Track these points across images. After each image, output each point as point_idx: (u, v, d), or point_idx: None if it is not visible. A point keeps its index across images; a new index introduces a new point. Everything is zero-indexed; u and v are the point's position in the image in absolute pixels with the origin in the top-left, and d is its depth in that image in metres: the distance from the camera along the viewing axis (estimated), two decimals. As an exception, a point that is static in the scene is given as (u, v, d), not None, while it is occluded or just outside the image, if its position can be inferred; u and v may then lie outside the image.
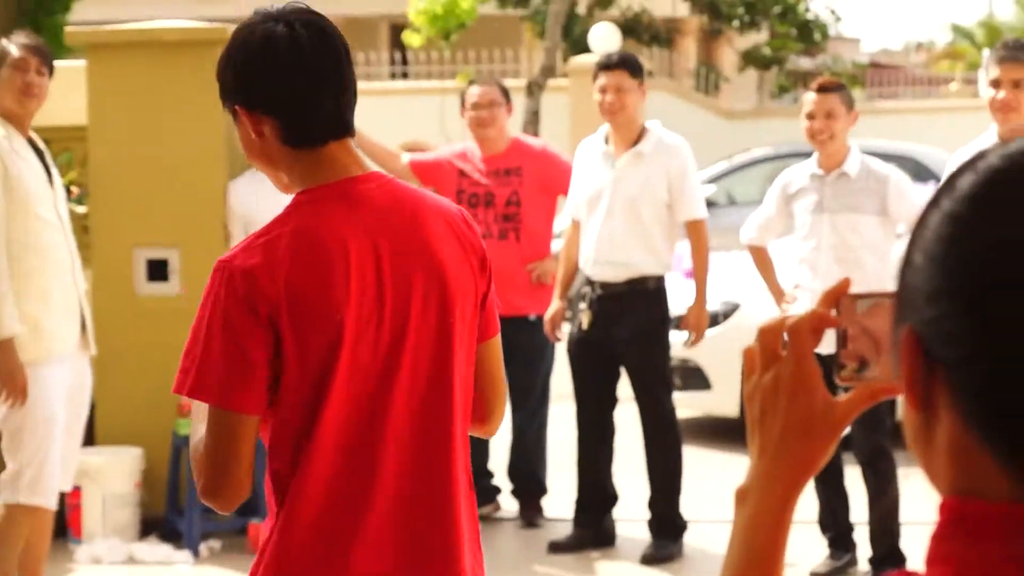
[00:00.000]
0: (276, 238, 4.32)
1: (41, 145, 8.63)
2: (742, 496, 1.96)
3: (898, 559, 9.93)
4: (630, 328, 10.29)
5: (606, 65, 10.80)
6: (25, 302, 8.15)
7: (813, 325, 1.92)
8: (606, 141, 10.58)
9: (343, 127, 4.48)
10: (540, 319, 10.97)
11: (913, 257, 1.62)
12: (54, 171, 8.67)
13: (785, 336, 1.93)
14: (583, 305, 10.69)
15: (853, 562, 10.21)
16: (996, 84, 9.02)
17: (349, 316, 4.32)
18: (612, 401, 10.77)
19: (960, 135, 9.59)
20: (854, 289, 1.98)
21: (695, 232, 10.51)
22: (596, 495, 10.84)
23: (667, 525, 10.73)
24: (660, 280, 10.59)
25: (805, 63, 35.60)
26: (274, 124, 4.35)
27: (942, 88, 37.82)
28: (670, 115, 12.93)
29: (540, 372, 11.28)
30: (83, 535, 10.48)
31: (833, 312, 1.94)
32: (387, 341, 4.39)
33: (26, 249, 8.21)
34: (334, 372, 4.34)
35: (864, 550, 10.14)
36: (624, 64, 10.67)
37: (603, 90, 10.45)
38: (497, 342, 4.79)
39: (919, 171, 20.52)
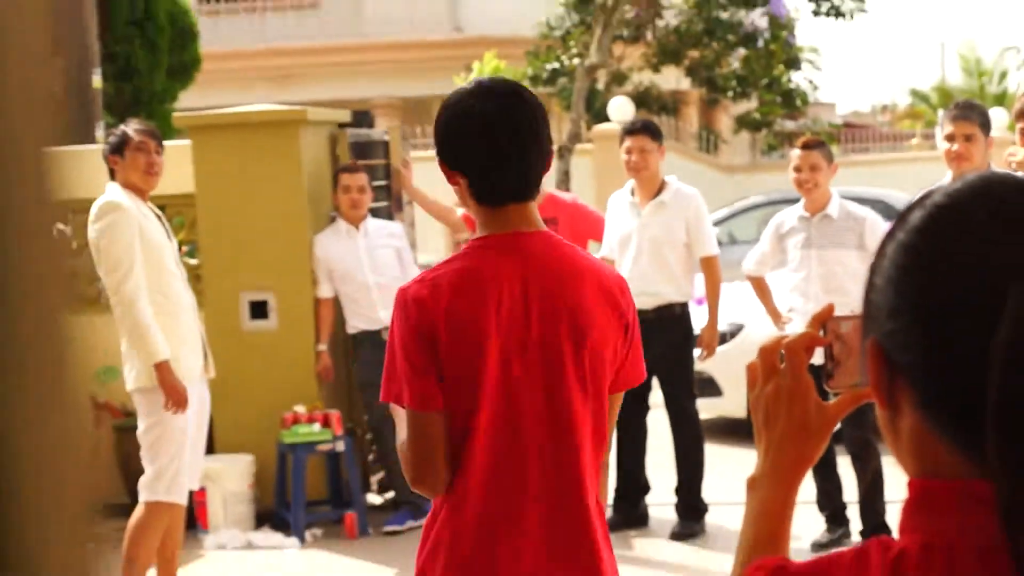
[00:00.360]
0: (443, 274, 4.45)
1: (157, 211, 8.77)
2: (752, 485, 2.11)
3: (885, 531, 9.71)
4: (660, 347, 10.11)
5: (631, 130, 10.89)
6: (147, 338, 8.23)
7: (805, 344, 2.07)
8: (632, 193, 10.76)
9: (521, 192, 4.48)
10: None
11: (875, 280, 1.78)
12: (169, 231, 8.83)
13: (782, 353, 2.08)
14: None
15: (847, 535, 10.28)
16: (950, 138, 9.16)
17: (496, 340, 4.39)
18: (645, 407, 10.86)
19: (922, 181, 9.80)
20: (838, 312, 2.03)
21: (709, 266, 10.66)
22: (632, 485, 11.03)
23: (691, 508, 10.86)
24: (684, 306, 10.75)
25: (789, 125, 35.21)
26: (466, 181, 4.46)
27: (905, 143, 37.56)
28: (677, 171, 12.93)
29: None
30: (209, 526, 10.71)
31: (821, 332, 2.10)
32: (531, 365, 4.43)
33: (163, 296, 8.39)
34: (483, 386, 4.40)
35: (856, 525, 10.26)
36: (646, 129, 10.79)
37: (629, 151, 10.58)
38: (618, 399, 4.79)
39: (889, 212, 20.49)
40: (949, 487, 1.66)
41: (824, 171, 9.89)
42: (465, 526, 4.44)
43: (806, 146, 10.10)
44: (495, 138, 4.41)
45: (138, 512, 8.42)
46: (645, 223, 10.64)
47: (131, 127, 8.60)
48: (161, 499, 8.36)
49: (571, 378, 4.47)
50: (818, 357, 2.07)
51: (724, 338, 11.65)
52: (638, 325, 4.73)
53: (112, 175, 8.48)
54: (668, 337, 10.61)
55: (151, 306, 8.24)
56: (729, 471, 11.69)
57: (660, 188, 10.72)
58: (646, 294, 10.36)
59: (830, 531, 10.38)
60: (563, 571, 4.50)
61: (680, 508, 10.95)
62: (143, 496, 8.43)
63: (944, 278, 1.66)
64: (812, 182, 9.81)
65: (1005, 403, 1.53)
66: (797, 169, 9.93)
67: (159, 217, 8.74)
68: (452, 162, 4.52)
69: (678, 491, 11.03)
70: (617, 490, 11.07)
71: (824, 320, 2.11)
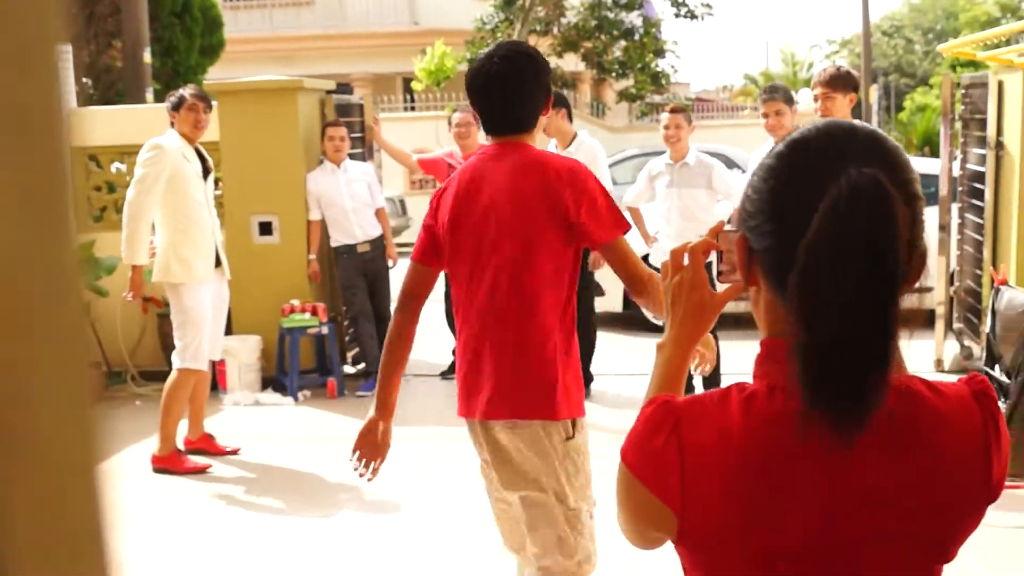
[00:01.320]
0: (452, 178, 4.65)
1: (205, 153, 8.83)
2: (660, 348, 2.15)
3: None
4: None
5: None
6: (183, 248, 8.36)
7: (703, 248, 2.13)
8: (555, 146, 10.52)
9: (508, 127, 4.54)
10: None
11: (746, 193, 1.89)
12: (209, 170, 8.83)
13: (686, 255, 2.15)
14: None
15: None
16: (765, 115, 9.10)
17: (464, 220, 4.48)
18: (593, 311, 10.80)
19: (750, 141, 9.75)
20: (701, 235, 2.25)
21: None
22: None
23: (585, 377, 10.70)
24: None
25: (656, 98, 35.45)
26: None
27: (739, 113, 37.81)
28: (584, 132, 13.06)
29: None
30: (227, 388, 10.72)
31: (716, 239, 2.15)
32: (487, 236, 4.45)
33: (186, 218, 8.41)
34: (455, 250, 4.52)
35: None
36: (560, 102, 10.51)
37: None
38: (610, 247, 4.50)
39: (728, 163, 20.84)
40: (786, 344, 1.73)
41: (685, 129, 9.80)
42: (462, 344, 4.61)
43: (673, 110, 10.02)
44: (490, 87, 4.51)
45: (172, 376, 8.54)
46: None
47: (188, 91, 8.73)
48: (188, 366, 8.47)
49: (518, 247, 4.43)
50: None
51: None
52: (596, 199, 4.50)
53: (172, 124, 8.58)
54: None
55: (177, 223, 8.41)
56: (608, 350, 11.65)
57: (572, 139, 10.54)
58: None
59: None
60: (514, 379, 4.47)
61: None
62: (175, 364, 8.54)
63: (785, 188, 1.80)
64: (676, 137, 9.73)
65: (802, 284, 1.67)
66: (666, 127, 9.83)
67: (202, 159, 8.74)
68: (472, 105, 4.69)
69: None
70: None
71: (717, 232, 2.14)
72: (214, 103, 9.03)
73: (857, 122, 1.96)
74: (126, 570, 6.72)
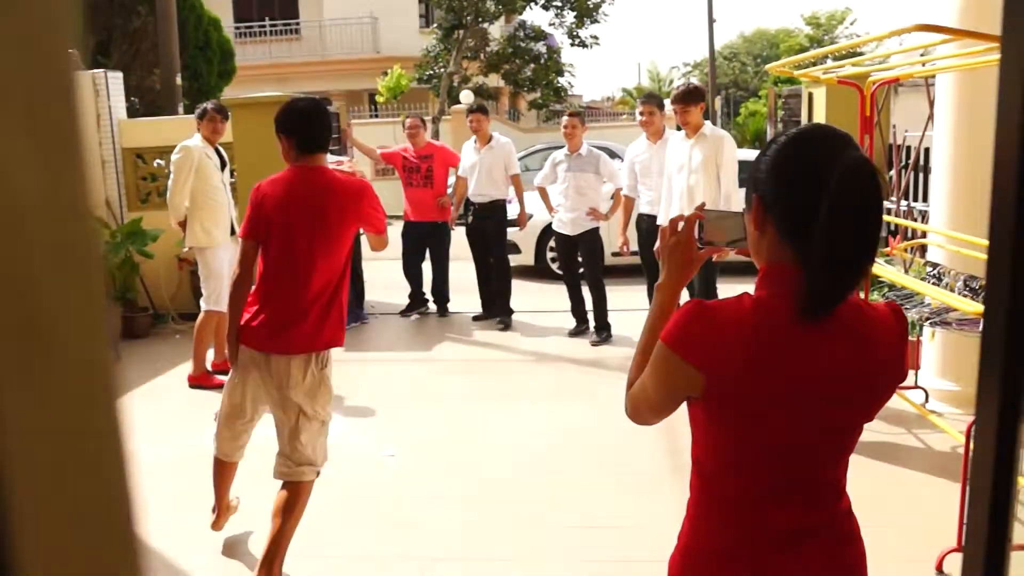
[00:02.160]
0: (275, 179, 4.83)
1: (222, 151, 8.92)
2: (658, 290, 2.32)
3: (608, 328, 9.99)
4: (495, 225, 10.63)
5: (470, 110, 10.91)
6: (207, 221, 8.54)
7: (692, 219, 2.31)
8: (474, 143, 10.64)
9: (315, 148, 4.76)
10: (445, 224, 10.89)
11: (759, 167, 2.03)
12: (225, 162, 8.94)
13: (680, 224, 2.32)
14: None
15: (587, 331, 10.09)
16: (642, 114, 8.94)
17: (278, 217, 4.56)
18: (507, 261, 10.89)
19: (628, 138, 9.78)
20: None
21: (516, 183, 10.59)
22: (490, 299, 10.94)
23: (507, 311, 10.72)
24: (503, 203, 10.71)
25: (558, 106, 35.56)
26: (291, 142, 4.80)
27: (619, 117, 37.85)
28: (496, 131, 13.04)
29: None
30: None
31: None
32: (295, 230, 4.52)
33: (209, 200, 8.56)
34: (271, 240, 4.58)
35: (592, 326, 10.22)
36: (482, 110, 10.71)
37: (472, 121, 10.64)
38: (374, 237, 4.85)
39: (611, 154, 20.83)
40: (783, 267, 1.99)
41: (579, 128, 9.72)
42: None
43: (570, 114, 9.91)
44: (309, 121, 4.83)
45: (200, 316, 8.65)
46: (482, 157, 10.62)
47: (209, 105, 8.83)
48: (211, 308, 8.54)
49: (315, 239, 4.55)
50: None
51: (529, 219, 11.37)
52: (363, 203, 4.75)
53: (198, 130, 8.69)
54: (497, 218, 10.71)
55: (200, 202, 8.58)
56: (521, 293, 11.67)
57: (489, 139, 10.58)
58: (484, 195, 10.61)
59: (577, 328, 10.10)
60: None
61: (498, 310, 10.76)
62: (202, 307, 8.64)
63: (795, 166, 1.97)
64: (572, 134, 9.66)
65: (827, 227, 1.85)
66: (565, 127, 9.76)
67: (220, 155, 8.84)
68: (283, 132, 4.92)
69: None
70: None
71: (702, 209, 2.34)
72: (229, 114, 9.09)
73: (832, 126, 2.17)
74: (168, 467, 6.75)
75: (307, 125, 4.80)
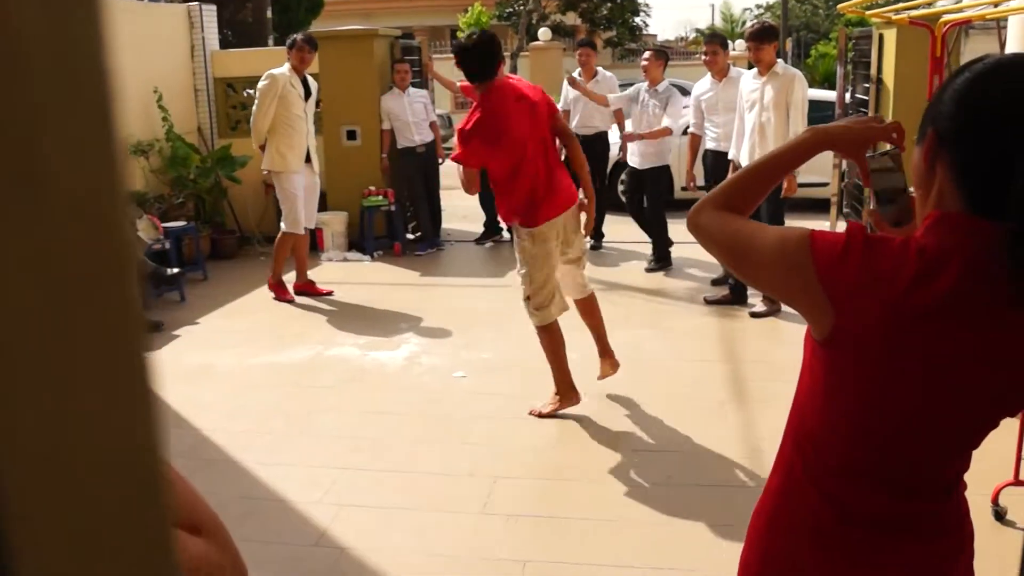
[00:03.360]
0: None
1: (310, 80, 8.90)
2: (811, 129, 1.90)
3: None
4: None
5: (580, 43, 11.02)
6: (283, 146, 8.56)
7: (891, 129, 1.87)
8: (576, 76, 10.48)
9: (486, 75, 5.51)
10: None
11: (942, 98, 1.63)
12: (313, 92, 8.91)
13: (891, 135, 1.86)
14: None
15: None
16: (705, 54, 8.79)
17: (510, 122, 5.38)
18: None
19: (699, 76, 9.59)
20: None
21: (619, 116, 10.42)
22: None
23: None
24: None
25: (632, 45, 35.15)
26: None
27: (692, 57, 37.22)
28: (575, 67, 12.90)
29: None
30: (324, 249, 10.63)
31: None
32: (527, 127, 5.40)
33: (288, 126, 8.56)
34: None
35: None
36: (590, 44, 10.71)
37: (580, 55, 10.77)
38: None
39: (683, 91, 20.53)
40: (957, 216, 1.59)
41: (656, 65, 9.55)
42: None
43: (652, 52, 9.80)
44: (481, 52, 5.56)
45: (279, 237, 8.78)
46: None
47: (299, 36, 8.81)
48: (288, 230, 8.69)
49: (542, 123, 5.57)
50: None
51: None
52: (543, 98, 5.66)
53: (288, 59, 8.67)
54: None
55: (281, 129, 8.59)
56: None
57: (595, 74, 10.79)
58: (589, 127, 10.61)
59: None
60: None
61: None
62: (281, 228, 8.75)
63: (979, 100, 1.58)
64: (652, 71, 9.52)
65: None
66: (645, 60, 9.63)
67: (306, 85, 8.80)
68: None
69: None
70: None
71: (895, 133, 1.87)
72: (318, 45, 9.11)
73: None
74: (249, 380, 6.82)
75: (479, 56, 5.58)
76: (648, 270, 9.67)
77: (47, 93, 0.40)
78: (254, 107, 8.67)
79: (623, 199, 11.52)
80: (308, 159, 8.83)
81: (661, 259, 9.73)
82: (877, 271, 1.58)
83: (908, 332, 1.57)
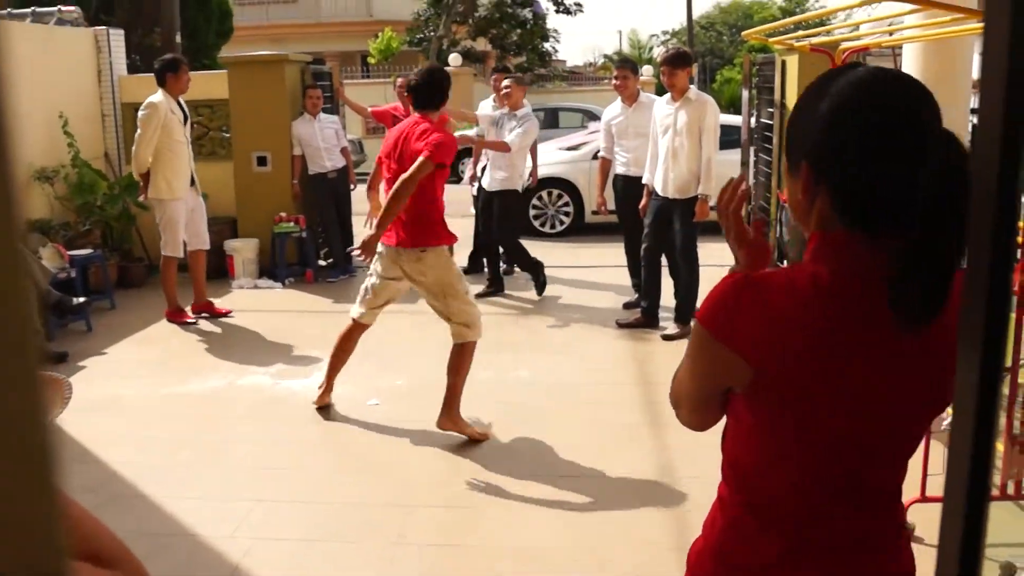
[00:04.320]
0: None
1: (184, 105, 8.84)
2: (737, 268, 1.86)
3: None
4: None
5: (497, 69, 10.86)
6: (171, 176, 8.57)
7: (739, 200, 1.87)
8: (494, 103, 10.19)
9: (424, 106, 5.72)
10: None
11: (800, 127, 1.65)
12: (187, 116, 8.85)
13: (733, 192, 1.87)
14: None
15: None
16: (615, 78, 8.84)
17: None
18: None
19: (606, 101, 9.64)
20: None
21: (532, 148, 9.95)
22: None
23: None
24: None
25: (541, 70, 35.38)
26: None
27: (601, 82, 37.55)
28: (482, 96, 12.88)
29: None
30: (235, 276, 10.53)
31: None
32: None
33: (172, 153, 8.55)
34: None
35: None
36: (507, 71, 10.21)
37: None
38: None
39: (593, 116, 20.65)
40: (840, 236, 1.59)
41: (517, 90, 9.49)
42: None
43: (514, 78, 9.71)
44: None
45: (162, 263, 8.87)
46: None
47: (173, 58, 8.91)
48: (170, 254, 8.77)
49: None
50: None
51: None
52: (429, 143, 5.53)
53: (162, 84, 8.67)
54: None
55: (164, 156, 8.56)
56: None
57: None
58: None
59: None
60: None
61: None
62: (163, 255, 8.83)
63: (845, 124, 1.57)
64: (513, 94, 9.49)
65: (926, 212, 1.48)
66: (506, 87, 9.40)
67: (182, 109, 8.79)
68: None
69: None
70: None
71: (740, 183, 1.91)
72: (224, 71, 9.04)
73: (902, 72, 1.72)
74: (157, 410, 6.68)
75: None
76: (539, 295, 9.61)
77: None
78: (136, 136, 8.56)
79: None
80: (192, 182, 8.87)
81: (533, 273, 9.63)
82: (775, 311, 1.57)
83: (825, 357, 1.57)
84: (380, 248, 5.79)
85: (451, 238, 5.75)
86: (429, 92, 5.76)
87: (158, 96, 8.54)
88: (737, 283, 1.60)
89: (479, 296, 9.01)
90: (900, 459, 1.73)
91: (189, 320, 8.90)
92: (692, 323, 1.69)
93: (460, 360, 5.85)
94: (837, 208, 1.60)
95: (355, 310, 6.19)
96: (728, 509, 1.79)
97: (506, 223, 9.60)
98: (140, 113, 8.55)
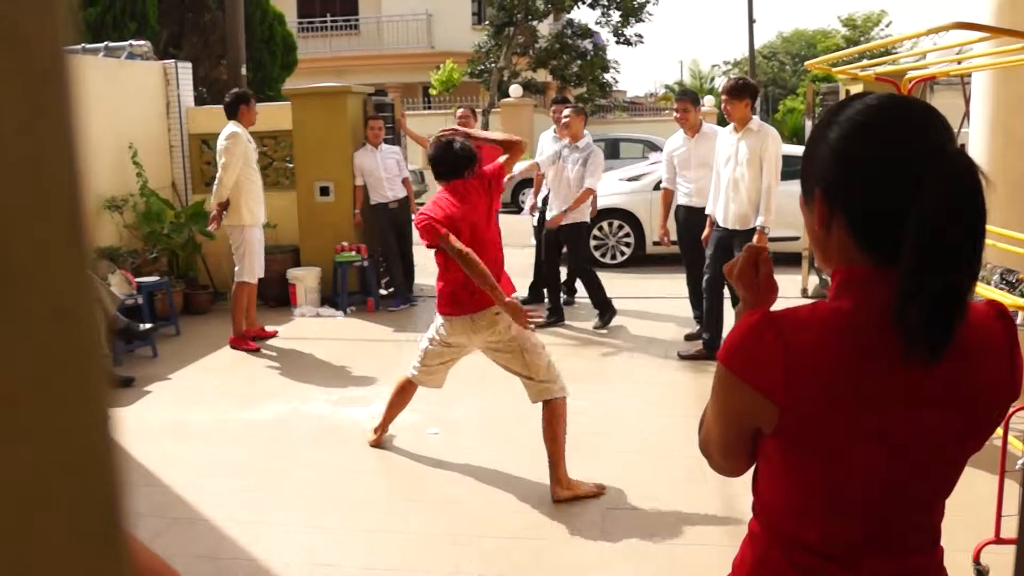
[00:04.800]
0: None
1: (250, 137, 9.02)
2: (736, 313, 1.80)
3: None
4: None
5: (557, 100, 10.82)
6: (253, 204, 8.84)
7: (752, 253, 1.83)
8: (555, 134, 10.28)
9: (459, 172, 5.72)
10: None
11: (817, 154, 1.62)
12: (255, 147, 9.07)
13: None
14: None
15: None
16: (676, 111, 8.79)
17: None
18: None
19: (668, 132, 9.66)
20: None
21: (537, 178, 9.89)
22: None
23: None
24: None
25: (602, 101, 35.36)
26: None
27: (661, 113, 37.47)
28: (546, 126, 12.94)
29: None
30: (297, 304, 10.61)
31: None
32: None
33: (251, 182, 8.81)
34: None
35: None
36: (566, 103, 10.21)
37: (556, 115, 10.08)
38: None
39: (653, 146, 20.59)
40: (863, 271, 1.56)
41: (576, 120, 9.55)
42: None
43: (573, 108, 9.75)
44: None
45: (235, 288, 9.03)
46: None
47: (243, 92, 9.23)
48: (246, 280, 8.98)
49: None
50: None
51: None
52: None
53: (235, 116, 8.92)
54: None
55: (245, 184, 8.79)
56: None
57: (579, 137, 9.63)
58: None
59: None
60: None
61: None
62: (236, 280, 9.01)
63: (860, 154, 1.55)
64: (567, 123, 9.42)
65: (920, 232, 1.45)
66: (566, 117, 9.49)
67: (250, 140, 8.97)
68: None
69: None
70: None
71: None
72: (288, 103, 9.18)
73: (911, 98, 1.67)
74: (215, 435, 6.73)
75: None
76: (597, 327, 9.53)
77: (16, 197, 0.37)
78: (220, 164, 8.71)
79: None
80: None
81: (604, 311, 9.61)
82: (798, 348, 1.54)
83: (854, 396, 1.53)
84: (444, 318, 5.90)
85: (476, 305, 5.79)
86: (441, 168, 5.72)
87: (236, 126, 8.75)
88: (759, 321, 1.57)
89: (540, 327, 8.93)
90: (935, 499, 1.68)
91: (252, 347, 8.99)
92: (716, 364, 1.63)
93: (553, 422, 5.39)
94: (852, 234, 1.58)
95: (412, 371, 6.07)
96: (758, 547, 1.75)
97: (580, 257, 9.67)
98: (221, 143, 8.70)
